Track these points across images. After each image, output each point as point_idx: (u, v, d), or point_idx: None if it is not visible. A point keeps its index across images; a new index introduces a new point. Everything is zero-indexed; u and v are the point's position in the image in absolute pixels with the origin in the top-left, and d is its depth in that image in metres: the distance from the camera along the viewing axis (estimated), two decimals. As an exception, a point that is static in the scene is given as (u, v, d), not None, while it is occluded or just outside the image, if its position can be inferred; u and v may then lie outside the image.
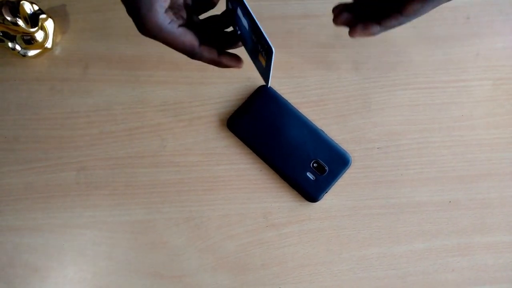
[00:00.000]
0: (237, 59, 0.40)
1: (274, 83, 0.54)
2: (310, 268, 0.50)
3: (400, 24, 0.38)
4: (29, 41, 0.53)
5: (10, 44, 0.53)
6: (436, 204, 0.52)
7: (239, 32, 0.41)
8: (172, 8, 0.37)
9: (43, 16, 0.53)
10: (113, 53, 0.55)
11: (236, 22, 0.40)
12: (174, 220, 0.51)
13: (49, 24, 0.55)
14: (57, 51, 0.55)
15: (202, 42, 0.38)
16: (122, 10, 0.57)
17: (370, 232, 0.51)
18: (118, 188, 0.52)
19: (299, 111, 0.53)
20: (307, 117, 0.53)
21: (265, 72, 0.43)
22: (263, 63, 0.40)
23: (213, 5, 0.41)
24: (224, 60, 0.39)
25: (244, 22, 0.37)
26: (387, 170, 0.53)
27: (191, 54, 0.38)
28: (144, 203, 0.51)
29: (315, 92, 0.54)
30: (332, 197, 0.52)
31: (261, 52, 0.39)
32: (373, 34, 0.39)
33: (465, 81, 0.55)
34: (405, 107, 0.54)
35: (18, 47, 0.53)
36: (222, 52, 0.40)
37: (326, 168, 0.51)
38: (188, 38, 0.36)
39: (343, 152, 0.52)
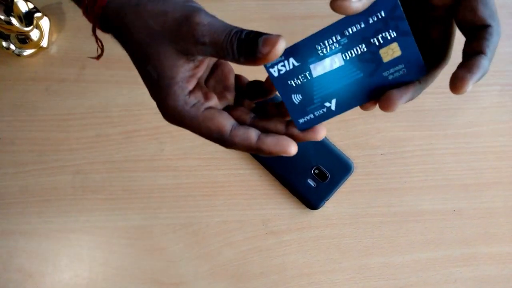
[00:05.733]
0: (288, 143, 0.28)
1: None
2: (310, 277, 0.49)
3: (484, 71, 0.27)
4: (24, 40, 0.52)
5: (4, 44, 0.52)
6: (440, 213, 0.51)
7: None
8: (202, 88, 0.30)
9: (38, 14, 0.52)
10: (111, 53, 0.53)
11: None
12: (171, 226, 0.50)
13: (45, 23, 0.53)
14: (53, 50, 0.54)
15: (238, 125, 0.29)
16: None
17: (372, 241, 0.50)
18: (115, 192, 0.51)
19: (300, 116, 0.51)
20: (309, 122, 0.51)
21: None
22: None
23: (269, 93, 0.33)
24: (266, 145, 0.28)
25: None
26: (390, 177, 0.51)
27: (221, 141, 0.29)
28: (141, 208, 0.50)
29: (318, 96, 0.53)
30: (333, 204, 0.50)
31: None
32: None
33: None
34: (409, 113, 0.53)
35: (12, 47, 0.52)
36: (266, 132, 0.30)
37: (328, 175, 0.50)
38: (215, 122, 0.28)
39: (345, 159, 0.50)
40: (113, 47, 0.53)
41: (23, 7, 0.51)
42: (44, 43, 0.53)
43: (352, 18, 0.27)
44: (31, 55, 0.53)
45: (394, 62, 0.28)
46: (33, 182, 0.51)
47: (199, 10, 0.27)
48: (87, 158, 0.51)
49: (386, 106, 0.28)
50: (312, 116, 0.30)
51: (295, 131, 0.30)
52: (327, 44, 0.28)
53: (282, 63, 0.28)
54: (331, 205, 0.50)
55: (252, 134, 0.28)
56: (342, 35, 0.27)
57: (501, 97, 0.53)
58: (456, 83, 0.26)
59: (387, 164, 0.52)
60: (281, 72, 0.29)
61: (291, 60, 0.28)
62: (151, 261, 0.49)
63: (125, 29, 0.28)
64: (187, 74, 0.28)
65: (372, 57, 0.28)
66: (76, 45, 0.54)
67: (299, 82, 0.29)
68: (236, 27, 0.27)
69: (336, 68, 0.28)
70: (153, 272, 0.49)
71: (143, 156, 0.51)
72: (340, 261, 0.50)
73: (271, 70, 0.29)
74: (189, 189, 0.51)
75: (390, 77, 0.28)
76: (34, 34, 0.52)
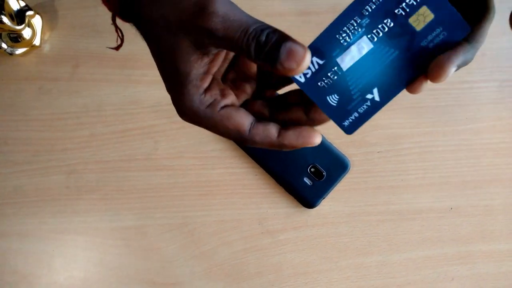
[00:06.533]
0: (311, 134, 0.27)
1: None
2: (307, 276, 0.49)
3: None
4: (16, 39, 0.51)
5: (-4, 42, 0.51)
6: (437, 211, 0.50)
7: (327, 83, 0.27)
8: (219, 84, 0.28)
9: (30, 12, 0.51)
10: (104, 51, 0.53)
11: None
12: (167, 226, 0.50)
13: (37, 21, 0.53)
14: (46, 49, 0.53)
15: (257, 122, 0.27)
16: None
17: (369, 240, 0.50)
18: (109, 192, 0.50)
19: (296, 114, 0.51)
20: (305, 119, 0.51)
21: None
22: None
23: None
24: (287, 140, 0.27)
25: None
26: (387, 175, 0.51)
27: (241, 140, 0.28)
28: (136, 208, 0.50)
29: (314, 93, 0.52)
30: (330, 203, 0.50)
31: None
32: None
33: (470, 82, 0.53)
34: (407, 110, 0.52)
35: (4, 45, 0.51)
36: (286, 126, 0.27)
37: (324, 173, 0.49)
38: (233, 121, 0.27)
39: (341, 157, 0.50)
40: (107, 45, 0.53)
41: (15, 5, 0.50)
42: (37, 42, 0.53)
43: None
44: (23, 54, 0.52)
45: (430, 27, 0.25)
46: (27, 183, 0.50)
47: None
48: (81, 158, 0.51)
49: (436, 75, 0.25)
50: (356, 114, 0.26)
51: (316, 117, 0.27)
52: (348, 31, 0.25)
53: None
54: (327, 204, 0.50)
55: (272, 130, 0.27)
56: (362, 16, 0.25)
57: (500, 93, 0.53)
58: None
59: (384, 162, 0.51)
60: (308, 76, 0.26)
61: (314, 59, 0.26)
62: (147, 262, 0.49)
63: (144, 21, 0.27)
64: (201, 71, 0.27)
65: (402, 30, 0.25)
66: (69, 43, 0.53)
67: (331, 81, 0.26)
68: (254, 23, 0.24)
69: (366, 54, 0.25)
70: (149, 272, 0.49)
71: (137, 155, 0.51)
72: (336, 260, 0.49)
73: (296, 77, 0.26)
74: (184, 189, 0.50)
75: (431, 45, 0.25)
76: (26, 33, 0.52)
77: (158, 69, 0.28)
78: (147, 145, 0.51)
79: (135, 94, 0.52)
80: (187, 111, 0.27)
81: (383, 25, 0.25)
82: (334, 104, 0.26)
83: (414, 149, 0.51)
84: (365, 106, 0.26)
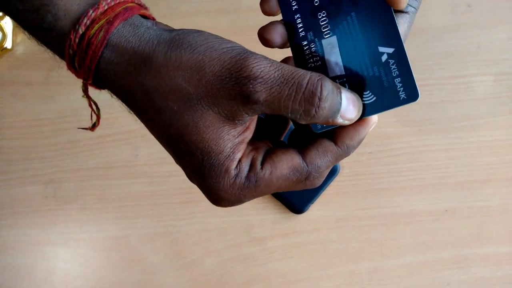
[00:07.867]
0: (365, 120, 0.24)
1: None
2: (296, 285, 0.47)
3: None
4: (-15, 43, 0.49)
5: (-37, 47, 0.49)
6: (431, 214, 0.48)
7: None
8: (248, 143, 0.24)
9: (-2, 14, 0.49)
10: (80, 52, 0.51)
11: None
12: (149, 236, 0.48)
13: (7, 23, 0.50)
14: (19, 52, 0.51)
15: (304, 148, 0.24)
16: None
17: (360, 245, 0.48)
18: (89, 201, 0.48)
19: (282, 115, 0.49)
20: (292, 121, 0.49)
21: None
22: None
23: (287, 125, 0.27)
24: (349, 138, 0.23)
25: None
26: (378, 177, 0.49)
27: (305, 178, 0.23)
28: (116, 218, 0.48)
29: (301, 92, 0.50)
30: (319, 207, 0.48)
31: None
32: None
33: (464, 76, 0.51)
34: (398, 107, 0.50)
35: (-28, 50, 0.49)
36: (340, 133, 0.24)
37: (312, 177, 0.47)
38: (281, 166, 0.23)
39: (330, 159, 0.48)
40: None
41: (-19, 7, 0.47)
42: (8, 45, 0.50)
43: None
44: (-6, 58, 0.50)
45: None
46: (2, 194, 0.49)
47: (244, 55, 0.21)
48: (59, 166, 0.49)
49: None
50: (398, 79, 0.23)
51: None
52: (310, 54, 0.25)
53: None
54: (316, 209, 0.48)
55: (327, 143, 0.23)
56: (304, 38, 0.25)
57: (495, 88, 0.50)
58: None
59: (375, 163, 0.49)
60: None
61: None
62: (129, 273, 0.47)
63: (141, 93, 0.22)
64: (236, 142, 0.22)
65: (335, 3, 0.24)
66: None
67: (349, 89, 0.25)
68: (304, 75, 0.21)
69: (339, 44, 0.24)
70: (132, 284, 0.47)
71: (117, 163, 0.49)
72: (327, 268, 0.48)
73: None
74: (166, 196, 0.48)
75: None
76: (-4, 36, 0.49)
77: (173, 155, 0.24)
78: (126, 151, 0.49)
79: (112, 97, 0.50)
80: (227, 195, 0.22)
81: (320, 19, 0.25)
82: (374, 97, 0.24)
83: (406, 149, 0.49)
84: (393, 67, 0.23)
